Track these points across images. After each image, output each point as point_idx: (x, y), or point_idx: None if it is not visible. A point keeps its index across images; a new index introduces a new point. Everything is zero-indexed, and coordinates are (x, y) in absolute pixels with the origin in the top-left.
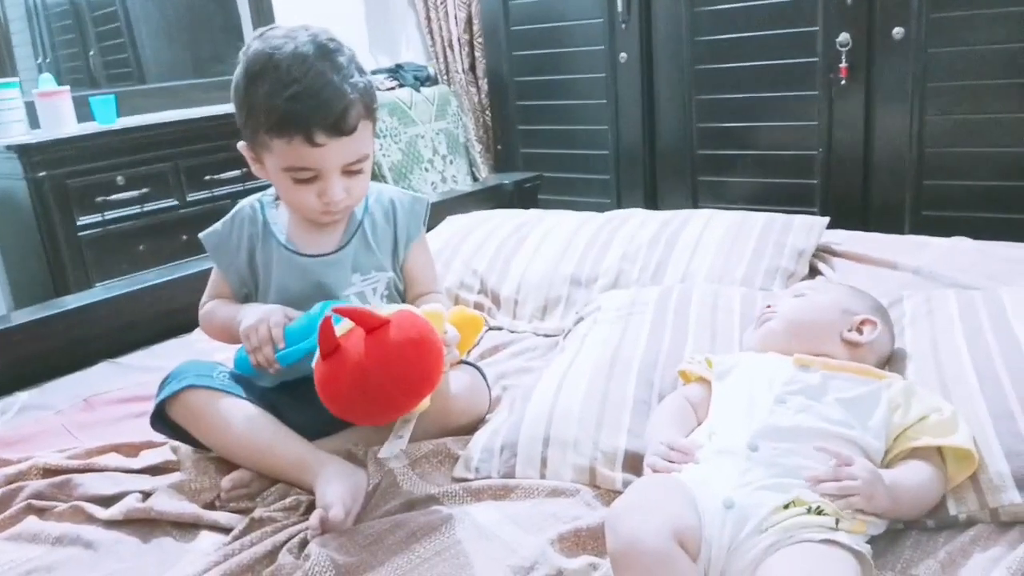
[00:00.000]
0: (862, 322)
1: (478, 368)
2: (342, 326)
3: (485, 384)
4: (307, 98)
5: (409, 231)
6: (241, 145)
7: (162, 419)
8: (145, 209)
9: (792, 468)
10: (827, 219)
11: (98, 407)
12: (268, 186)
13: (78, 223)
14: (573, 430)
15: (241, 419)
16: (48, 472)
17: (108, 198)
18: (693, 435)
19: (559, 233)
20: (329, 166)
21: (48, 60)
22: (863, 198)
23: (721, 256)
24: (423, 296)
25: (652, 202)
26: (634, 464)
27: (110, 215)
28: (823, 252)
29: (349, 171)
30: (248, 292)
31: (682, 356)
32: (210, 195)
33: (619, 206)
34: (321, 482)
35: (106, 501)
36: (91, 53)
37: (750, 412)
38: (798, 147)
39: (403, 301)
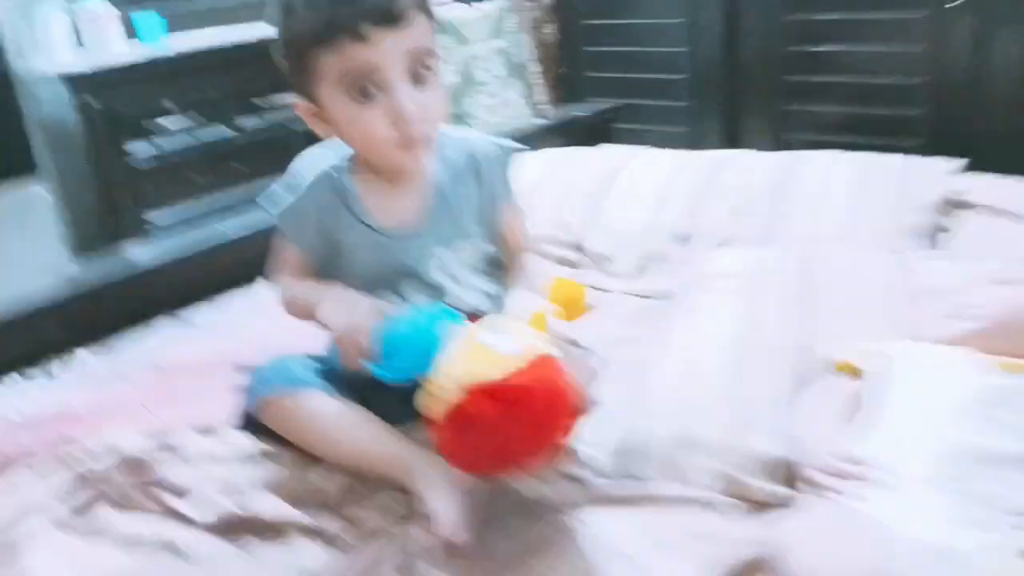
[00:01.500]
0: None
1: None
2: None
3: (586, 364)
4: None
5: (496, 190)
6: (298, 102)
7: (250, 421)
8: (198, 137)
9: (994, 499)
10: (964, 161)
11: (171, 375)
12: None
13: (129, 151)
14: (708, 429)
15: (333, 418)
16: (126, 459)
17: (160, 125)
18: (857, 444)
19: (655, 178)
20: (388, 65)
21: None
22: (970, 132)
23: (849, 210)
24: (512, 260)
25: (732, 132)
26: (776, 471)
27: (162, 144)
28: (957, 202)
29: (416, 76)
30: (325, 263)
31: (823, 337)
32: (263, 121)
33: (695, 136)
34: (426, 487)
35: (191, 494)
36: None
37: (938, 426)
38: (899, 73)
39: (494, 266)
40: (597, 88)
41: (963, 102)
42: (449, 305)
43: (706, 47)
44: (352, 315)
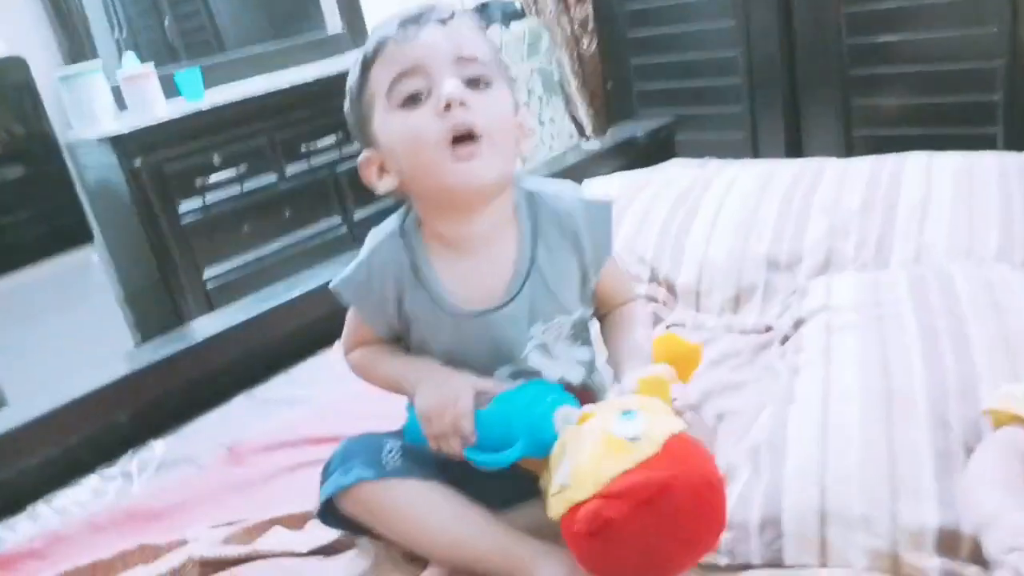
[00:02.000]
0: None
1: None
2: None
3: (707, 427)
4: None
5: (599, 254)
6: (363, 160)
7: (332, 511)
8: (245, 188)
9: None
10: None
11: (245, 458)
12: None
13: (179, 209)
14: (858, 500)
15: (428, 510)
16: (207, 566)
17: (207, 180)
18: None
19: (737, 200)
20: (432, 64)
21: (124, 35)
22: None
23: (961, 221)
24: (617, 311)
25: (795, 135)
26: (950, 545)
27: (210, 198)
28: None
29: (468, 80)
30: (400, 334)
31: (976, 380)
32: (308, 167)
33: (755, 141)
34: None
35: None
36: (166, 22)
37: None
38: (974, 57)
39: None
40: (648, 101)
41: None
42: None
43: (760, 48)
44: (448, 394)
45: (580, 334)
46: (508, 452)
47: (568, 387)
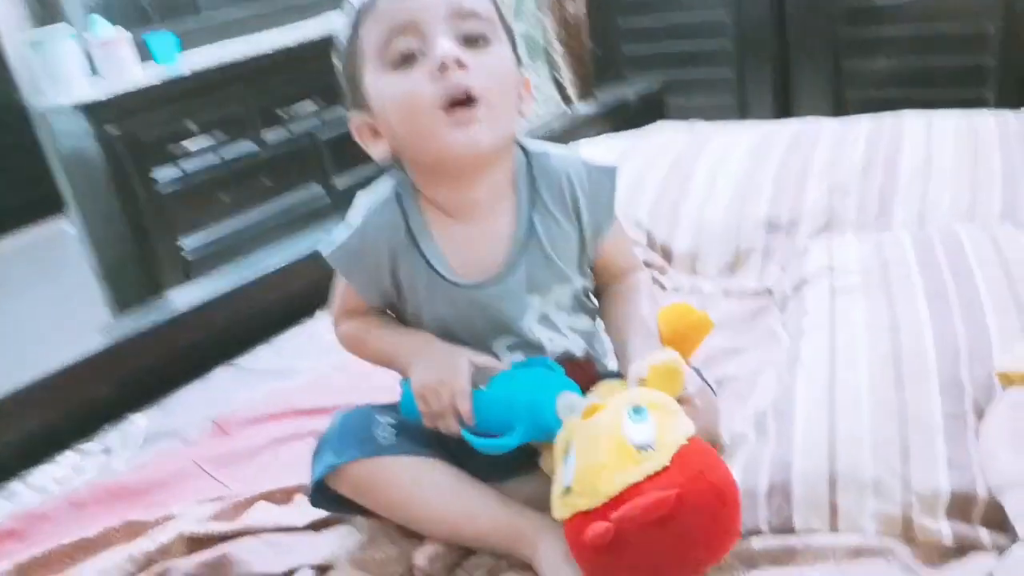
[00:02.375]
0: None
1: (701, 376)
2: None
3: (714, 396)
4: None
5: (599, 222)
6: (352, 119)
7: (322, 491)
8: (222, 156)
9: None
10: None
11: (232, 431)
12: None
13: (155, 177)
14: (869, 464)
15: (424, 487)
16: (195, 543)
17: (183, 148)
18: None
19: (733, 162)
20: (426, 18)
21: None
22: None
23: (963, 181)
24: (620, 283)
25: (785, 98)
26: (963, 509)
27: (187, 166)
28: None
29: (465, 37)
30: (392, 303)
31: (987, 342)
32: (288, 134)
33: (744, 105)
34: (545, 561)
35: None
36: None
37: None
38: (967, 20)
39: (593, 296)
40: (635, 64)
41: None
42: (547, 355)
43: (750, 9)
44: (445, 372)
45: (582, 304)
46: (507, 438)
47: (570, 358)
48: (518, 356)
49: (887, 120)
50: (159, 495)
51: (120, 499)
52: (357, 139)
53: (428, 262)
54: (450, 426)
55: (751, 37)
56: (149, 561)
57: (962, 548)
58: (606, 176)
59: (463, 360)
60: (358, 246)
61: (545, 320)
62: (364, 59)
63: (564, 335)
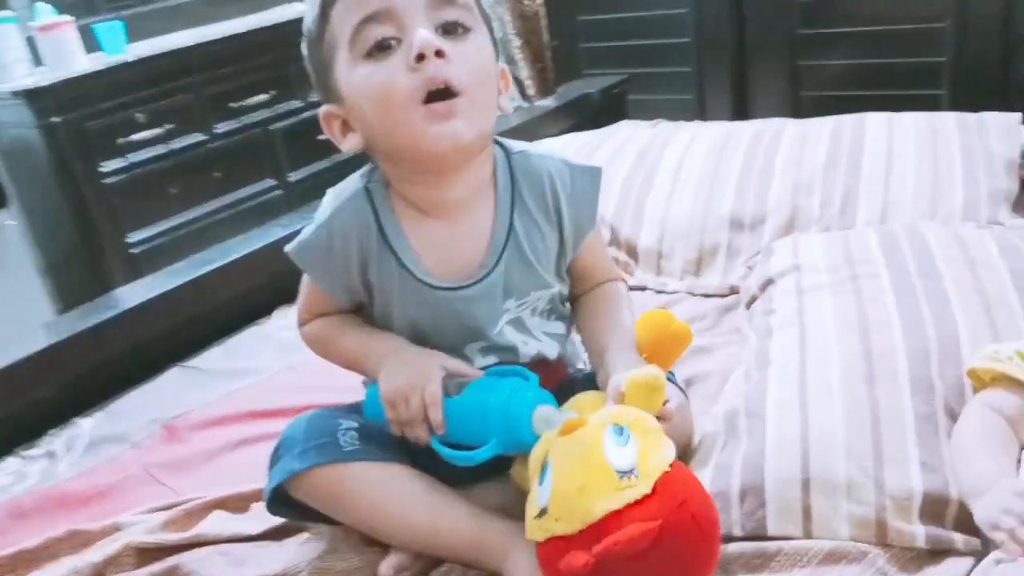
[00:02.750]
0: None
1: (675, 381)
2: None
3: (689, 405)
4: None
5: (580, 226)
6: (323, 112)
7: (281, 498)
8: (171, 147)
9: None
10: (1019, 115)
11: (183, 435)
12: None
13: (101, 169)
14: (842, 466)
15: (390, 495)
16: (144, 554)
17: (130, 139)
18: None
19: (697, 159)
20: (404, 7)
21: None
22: (1003, 77)
23: (926, 179)
24: (597, 290)
25: (742, 95)
26: (936, 512)
27: (134, 158)
28: None
29: (444, 25)
30: (361, 303)
31: (957, 341)
32: (239, 125)
33: (703, 102)
34: (515, 570)
35: None
36: None
37: None
38: (920, 19)
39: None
40: (594, 60)
41: (992, 47)
42: (518, 361)
43: (710, 6)
44: (416, 378)
45: (556, 309)
46: (480, 451)
47: (542, 361)
48: (491, 359)
49: (848, 120)
50: (106, 503)
51: (64, 507)
52: (326, 132)
53: (401, 262)
54: (419, 435)
55: (710, 34)
56: (96, 573)
57: (936, 552)
58: (590, 177)
59: (435, 366)
60: (325, 243)
61: (519, 324)
62: (335, 47)
63: (538, 339)
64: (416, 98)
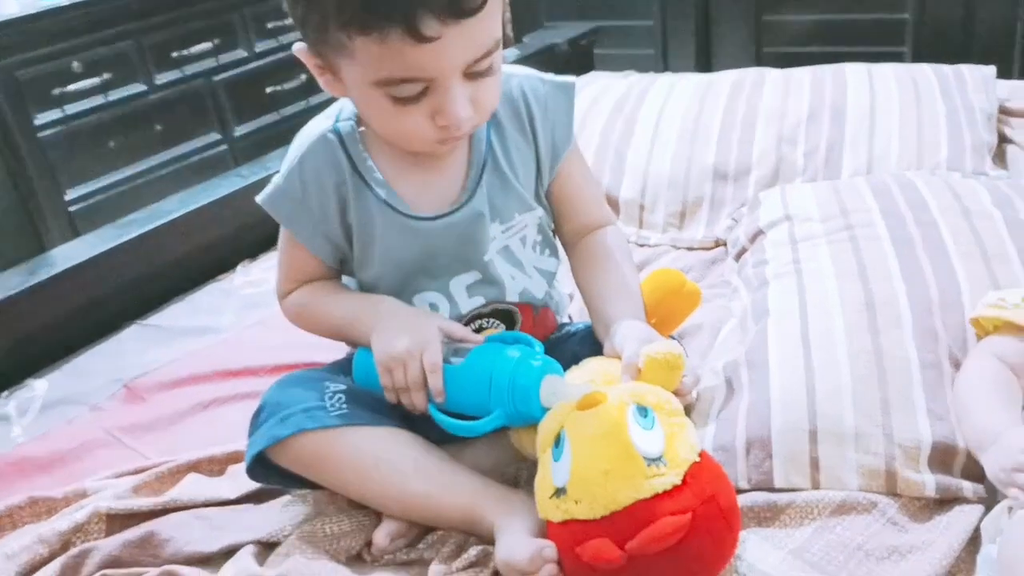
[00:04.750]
0: None
1: (674, 338)
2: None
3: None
4: None
5: (556, 141)
6: (299, 48)
7: (262, 463)
8: (109, 98)
9: None
10: (993, 68)
11: (146, 395)
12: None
13: (36, 122)
14: (850, 415)
15: (380, 462)
16: (115, 520)
17: (66, 89)
18: None
19: (679, 109)
20: (446, 70)
21: None
22: (965, 34)
23: (910, 130)
24: (592, 233)
25: (705, 51)
26: (945, 460)
27: (71, 109)
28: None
29: (474, 73)
30: (343, 256)
31: (958, 289)
32: (181, 76)
33: (665, 56)
34: (505, 536)
35: (209, 560)
36: None
37: None
38: None
39: (556, 240)
40: (556, 11)
41: (954, 4)
42: (504, 299)
43: None
44: (415, 342)
45: (547, 239)
46: (483, 422)
47: (530, 301)
48: (478, 300)
49: (828, 70)
50: (67, 468)
51: (22, 473)
52: (306, 64)
53: (379, 197)
54: (417, 402)
55: None
56: (64, 542)
57: (945, 500)
58: (563, 92)
59: (434, 328)
60: (298, 189)
61: (509, 255)
62: (348, 53)
63: (527, 275)
64: (432, 140)
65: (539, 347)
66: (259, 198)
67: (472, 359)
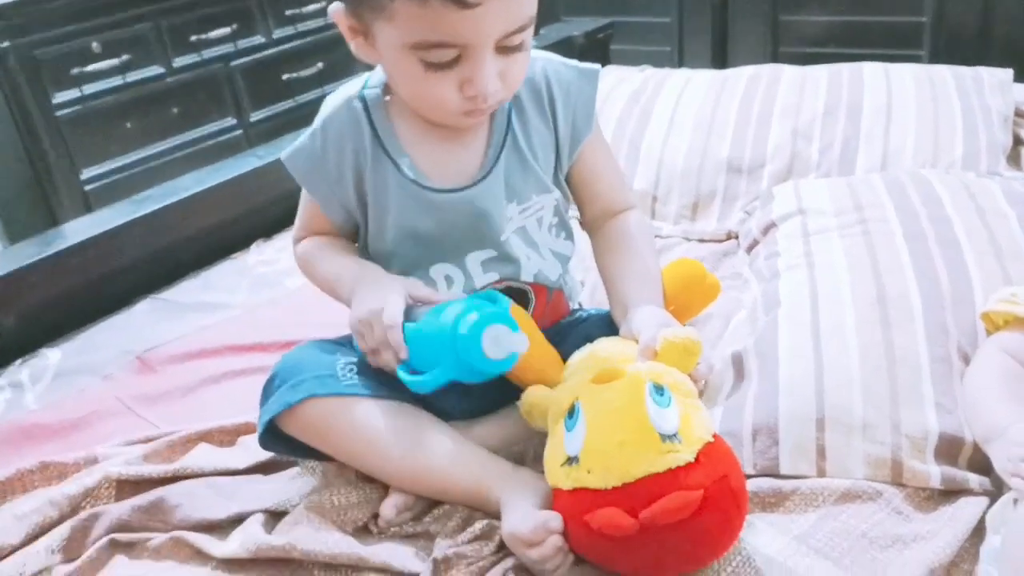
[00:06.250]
0: None
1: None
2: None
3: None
4: None
5: (577, 126)
6: (335, 8)
7: (273, 433)
8: (128, 80)
9: None
10: (1011, 71)
11: (158, 367)
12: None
13: (54, 101)
14: (859, 406)
15: (389, 433)
16: (125, 486)
17: (85, 69)
18: None
19: (694, 102)
20: (481, 39)
21: None
22: (983, 38)
23: (926, 129)
24: (614, 217)
25: (721, 49)
26: (951, 452)
27: (89, 89)
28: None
29: (506, 47)
30: (355, 224)
31: (971, 287)
32: (199, 59)
33: (682, 54)
34: (510, 510)
35: (217, 527)
36: None
37: None
38: None
39: (573, 224)
40: (574, 5)
41: (972, 7)
42: (519, 278)
43: None
44: (376, 304)
45: (563, 222)
46: (432, 375)
47: (544, 283)
48: (492, 276)
49: (845, 68)
50: (79, 435)
51: (33, 439)
52: (339, 24)
53: (398, 167)
54: (386, 361)
55: None
56: (74, 506)
57: (950, 492)
58: (586, 78)
59: (397, 290)
60: (318, 149)
61: (525, 236)
62: (386, 14)
63: (542, 256)
64: (460, 111)
65: (502, 302)
66: (282, 155)
67: (429, 316)
